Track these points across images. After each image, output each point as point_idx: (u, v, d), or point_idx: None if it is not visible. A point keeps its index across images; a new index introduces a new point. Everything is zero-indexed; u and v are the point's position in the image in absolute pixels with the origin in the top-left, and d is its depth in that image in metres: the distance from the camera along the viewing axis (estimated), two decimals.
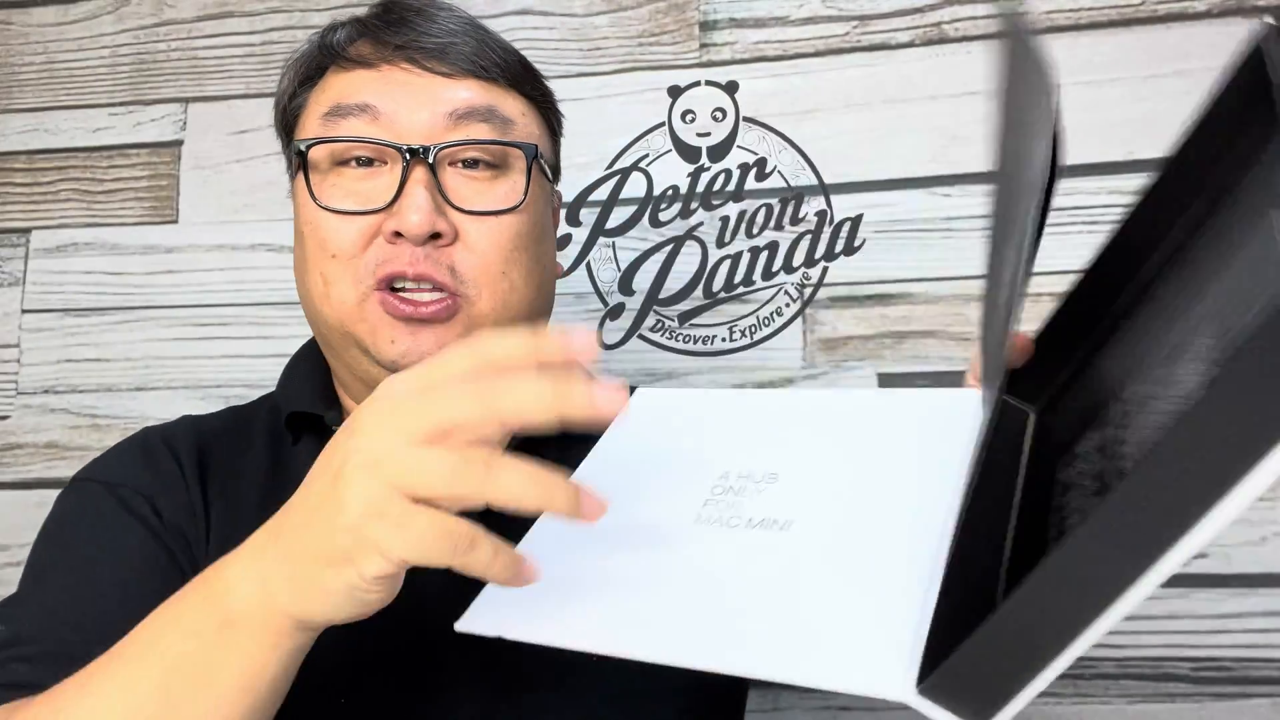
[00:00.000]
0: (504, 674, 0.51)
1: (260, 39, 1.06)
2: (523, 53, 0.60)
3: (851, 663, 0.29)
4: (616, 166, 0.98)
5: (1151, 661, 0.85)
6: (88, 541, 0.54)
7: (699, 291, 0.95)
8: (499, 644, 0.51)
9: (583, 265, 0.97)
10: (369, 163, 0.55)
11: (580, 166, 0.97)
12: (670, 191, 0.97)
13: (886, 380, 0.91)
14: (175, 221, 1.04)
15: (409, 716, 0.50)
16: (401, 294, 0.54)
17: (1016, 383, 0.40)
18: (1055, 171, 0.35)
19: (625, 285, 0.96)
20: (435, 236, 0.53)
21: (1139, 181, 0.93)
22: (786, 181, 0.95)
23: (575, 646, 0.34)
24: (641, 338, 0.96)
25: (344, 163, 0.55)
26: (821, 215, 0.94)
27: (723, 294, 0.94)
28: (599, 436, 0.46)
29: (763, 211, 0.94)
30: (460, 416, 0.32)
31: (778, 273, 0.94)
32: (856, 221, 0.93)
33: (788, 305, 0.93)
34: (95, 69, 1.08)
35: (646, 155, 0.97)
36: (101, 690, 0.36)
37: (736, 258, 0.94)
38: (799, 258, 0.94)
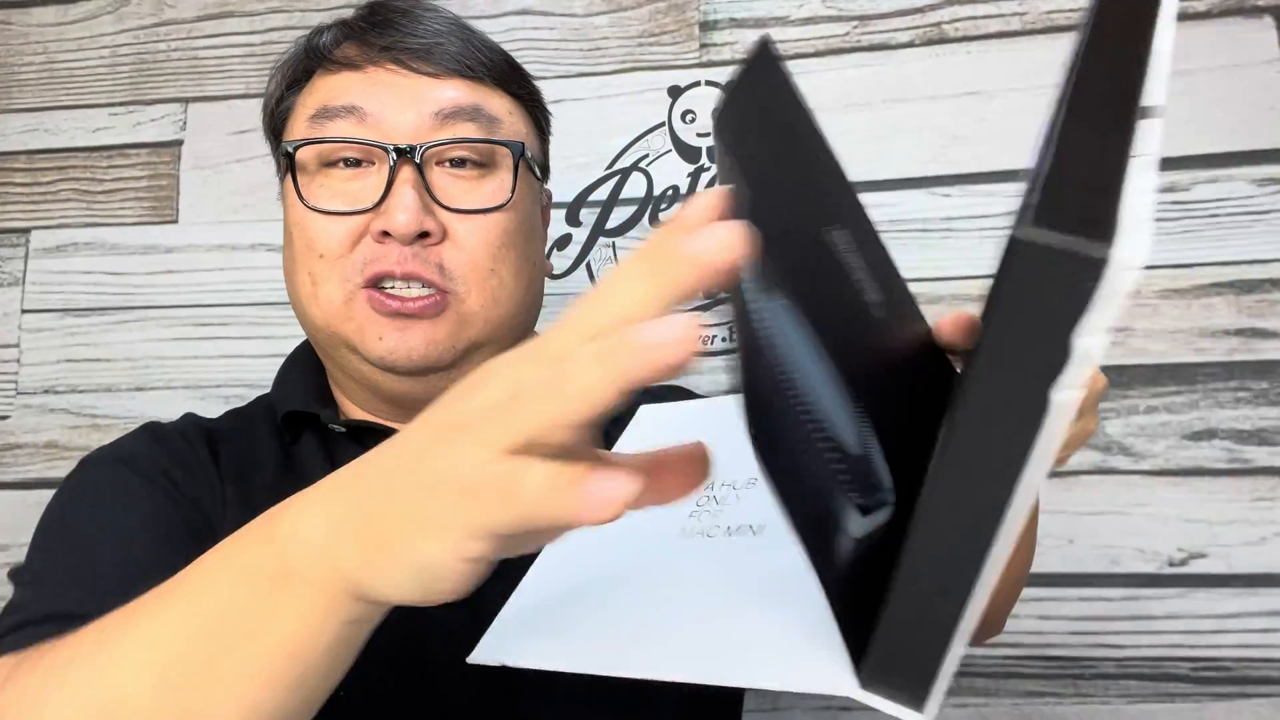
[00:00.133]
0: (501, 681, 0.51)
1: (260, 39, 1.06)
2: (523, 53, 0.60)
3: (808, 664, 0.29)
4: (616, 166, 0.98)
5: (1151, 661, 0.85)
6: (103, 508, 0.51)
7: None
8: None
9: (583, 265, 0.97)
10: (356, 163, 0.55)
11: (580, 166, 0.97)
12: (670, 192, 0.97)
13: None
14: (175, 221, 1.04)
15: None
16: (388, 291, 0.54)
17: None
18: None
19: None
20: (423, 236, 0.54)
21: None
22: None
23: (574, 670, 0.33)
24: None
25: (331, 164, 0.56)
26: None
27: (723, 294, 0.94)
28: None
29: None
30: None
31: None
32: None
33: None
34: (95, 69, 1.08)
35: (647, 155, 0.97)
36: (147, 626, 0.32)
37: None
38: None
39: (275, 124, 0.61)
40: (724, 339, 0.94)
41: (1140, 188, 0.20)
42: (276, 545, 0.30)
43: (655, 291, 0.25)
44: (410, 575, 0.27)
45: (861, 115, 0.95)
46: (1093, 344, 0.19)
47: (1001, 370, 0.20)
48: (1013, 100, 0.92)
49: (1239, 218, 0.88)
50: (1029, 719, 0.86)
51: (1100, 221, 0.18)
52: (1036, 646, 0.87)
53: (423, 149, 0.54)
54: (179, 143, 1.05)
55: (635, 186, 0.97)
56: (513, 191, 0.56)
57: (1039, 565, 0.88)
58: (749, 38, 0.97)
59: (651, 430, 0.48)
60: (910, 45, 0.95)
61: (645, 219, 0.97)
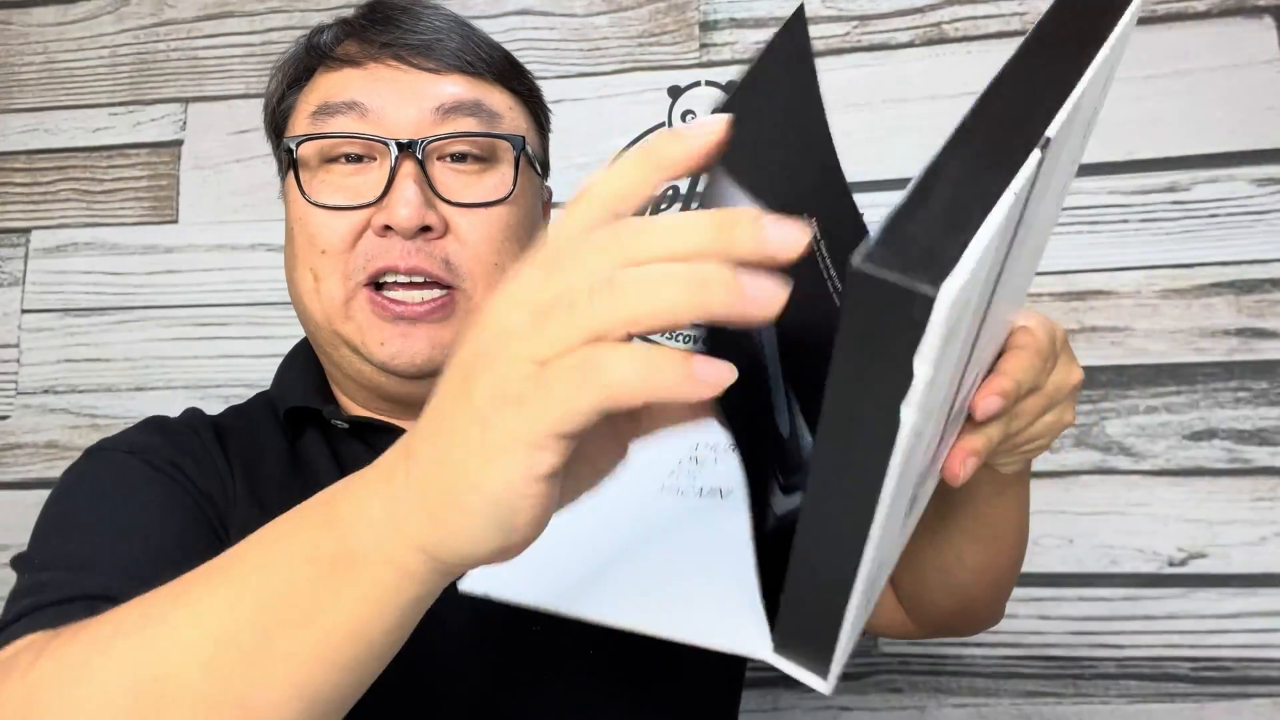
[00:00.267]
0: (503, 681, 0.51)
1: (260, 39, 1.06)
2: (523, 53, 0.61)
3: (733, 626, 0.32)
4: None
5: (1151, 661, 0.85)
6: (121, 497, 0.51)
7: None
8: (498, 645, 0.51)
9: None
10: (358, 159, 0.56)
11: (580, 166, 0.97)
12: (670, 192, 0.97)
13: None
14: (175, 221, 1.04)
15: (409, 711, 0.50)
16: (390, 294, 0.54)
17: None
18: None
19: None
20: (425, 230, 0.54)
21: (1139, 181, 0.93)
22: None
23: (539, 607, 0.35)
24: (641, 336, 0.96)
25: (333, 160, 0.56)
26: None
27: None
28: None
29: None
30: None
31: None
32: None
33: None
34: (95, 69, 1.08)
35: None
36: (198, 605, 0.32)
37: None
38: None
39: (277, 122, 0.61)
40: None
41: (998, 221, 0.21)
42: (338, 529, 0.30)
43: (643, 171, 0.26)
44: (484, 519, 0.26)
45: (861, 115, 0.95)
46: (929, 370, 0.20)
47: (851, 388, 0.22)
48: None
49: (1239, 218, 0.88)
50: (1029, 719, 0.86)
51: (937, 258, 0.19)
52: (1036, 646, 0.87)
53: (424, 143, 0.54)
54: (179, 143, 1.06)
55: None
56: (514, 185, 0.56)
57: (1039, 565, 0.89)
58: (749, 38, 0.97)
59: None
60: (910, 45, 0.95)
61: None
